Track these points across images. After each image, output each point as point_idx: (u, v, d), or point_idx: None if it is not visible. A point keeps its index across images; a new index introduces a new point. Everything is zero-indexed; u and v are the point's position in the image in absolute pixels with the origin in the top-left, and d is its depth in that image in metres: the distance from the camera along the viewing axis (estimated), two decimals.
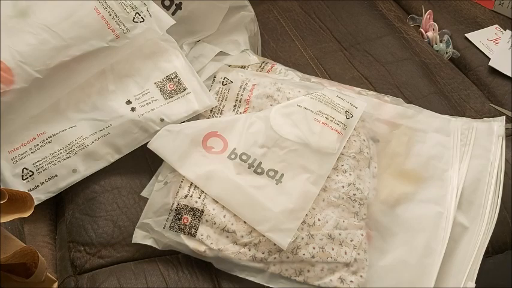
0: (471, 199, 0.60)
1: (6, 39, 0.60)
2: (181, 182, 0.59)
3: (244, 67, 0.72)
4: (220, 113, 0.67)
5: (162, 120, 0.64)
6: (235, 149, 0.61)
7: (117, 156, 0.64)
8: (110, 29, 0.63)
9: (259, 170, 0.59)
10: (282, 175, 0.58)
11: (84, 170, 0.63)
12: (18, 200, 0.44)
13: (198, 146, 0.61)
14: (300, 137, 0.60)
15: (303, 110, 0.62)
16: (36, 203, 0.61)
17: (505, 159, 0.62)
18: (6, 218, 0.43)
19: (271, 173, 0.59)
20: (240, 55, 0.74)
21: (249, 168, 0.59)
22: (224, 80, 0.69)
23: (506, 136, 0.66)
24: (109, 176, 0.64)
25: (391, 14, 0.93)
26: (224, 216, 0.56)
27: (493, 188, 0.60)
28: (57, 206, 0.66)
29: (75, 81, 0.64)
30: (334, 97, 0.65)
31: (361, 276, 0.55)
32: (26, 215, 0.45)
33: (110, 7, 0.63)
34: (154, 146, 0.62)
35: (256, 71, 0.71)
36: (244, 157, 0.60)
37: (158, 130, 0.63)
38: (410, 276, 0.56)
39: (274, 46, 0.86)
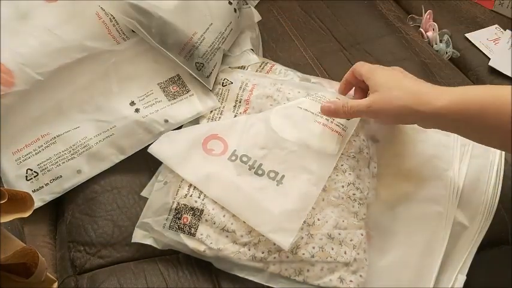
0: (471, 199, 0.60)
1: (7, 41, 0.60)
2: (181, 181, 0.59)
3: (244, 67, 0.72)
4: (220, 114, 0.67)
5: (166, 121, 0.64)
6: (235, 150, 0.61)
7: (121, 157, 0.64)
8: (110, 35, 0.63)
9: (259, 172, 0.59)
10: (283, 176, 0.58)
11: (89, 170, 0.63)
12: (18, 200, 0.44)
13: (198, 149, 0.61)
14: (301, 138, 0.60)
15: (303, 112, 0.62)
16: (40, 204, 0.61)
17: (505, 159, 0.62)
18: (6, 218, 0.43)
19: (272, 174, 0.58)
20: (240, 55, 0.74)
21: (249, 169, 0.59)
22: (224, 81, 0.69)
23: None
24: (109, 176, 0.64)
25: (391, 14, 0.93)
26: (224, 216, 0.56)
27: (492, 188, 0.60)
28: (57, 206, 0.66)
29: (77, 82, 0.64)
30: (334, 98, 0.64)
31: (360, 275, 0.55)
32: (26, 215, 0.45)
33: (110, 14, 0.63)
34: (155, 150, 0.62)
35: (256, 71, 0.71)
36: (244, 158, 0.60)
37: (163, 131, 0.64)
38: (410, 276, 0.56)
39: (274, 46, 0.86)
